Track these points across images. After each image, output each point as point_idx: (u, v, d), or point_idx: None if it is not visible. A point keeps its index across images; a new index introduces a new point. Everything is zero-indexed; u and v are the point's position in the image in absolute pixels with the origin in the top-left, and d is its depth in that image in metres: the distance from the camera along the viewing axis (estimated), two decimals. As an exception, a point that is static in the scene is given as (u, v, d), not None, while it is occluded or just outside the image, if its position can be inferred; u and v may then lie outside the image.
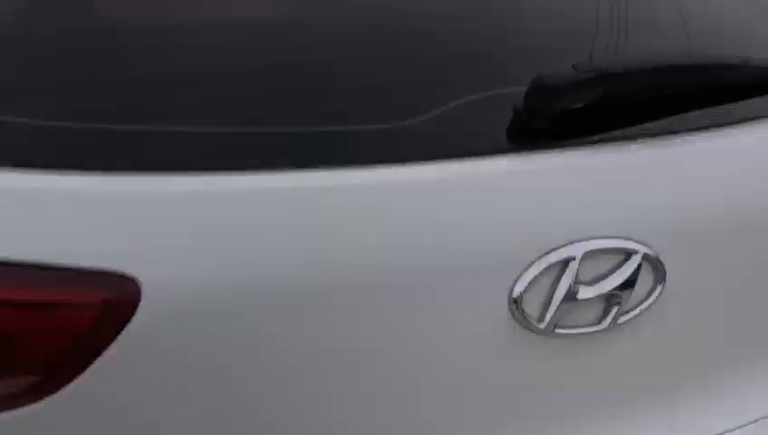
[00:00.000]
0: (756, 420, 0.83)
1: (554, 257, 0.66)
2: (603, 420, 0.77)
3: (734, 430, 0.82)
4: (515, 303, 0.66)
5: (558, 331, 0.69)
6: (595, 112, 0.68)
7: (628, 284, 0.70)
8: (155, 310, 0.56)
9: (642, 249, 0.70)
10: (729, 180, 0.77)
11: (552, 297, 0.68)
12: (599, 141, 0.70)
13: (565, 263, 0.67)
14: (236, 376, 0.61)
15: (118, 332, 0.56)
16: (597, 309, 0.71)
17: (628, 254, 0.70)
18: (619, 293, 0.70)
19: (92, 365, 0.56)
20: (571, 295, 0.68)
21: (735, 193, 0.77)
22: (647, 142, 0.72)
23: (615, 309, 0.70)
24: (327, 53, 0.71)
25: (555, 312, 0.68)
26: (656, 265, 0.71)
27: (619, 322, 0.72)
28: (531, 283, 0.66)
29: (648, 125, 0.72)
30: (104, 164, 0.58)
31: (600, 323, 0.71)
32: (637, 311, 0.72)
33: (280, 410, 0.64)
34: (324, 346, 0.63)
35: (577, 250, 0.67)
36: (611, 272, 0.70)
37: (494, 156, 0.67)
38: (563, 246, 0.67)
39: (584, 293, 0.68)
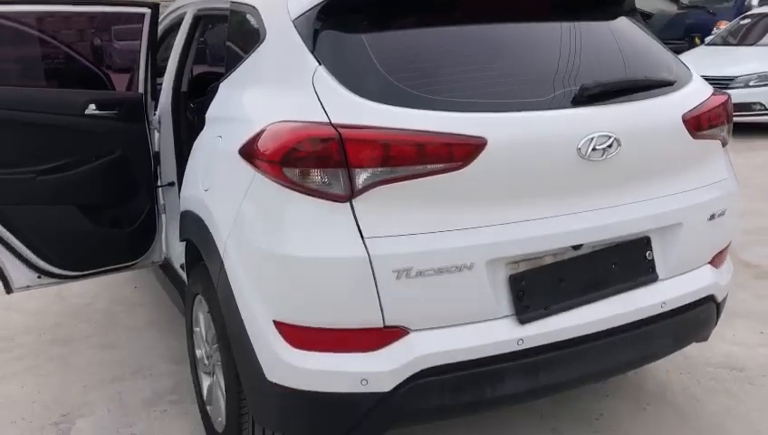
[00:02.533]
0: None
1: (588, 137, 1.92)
2: (600, 193, 2.02)
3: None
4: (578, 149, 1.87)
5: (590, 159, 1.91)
6: None
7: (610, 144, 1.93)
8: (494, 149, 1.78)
9: (614, 135, 1.89)
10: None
11: (585, 152, 1.91)
12: None
13: (591, 139, 1.89)
14: None
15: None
16: (601, 152, 1.90)
17: (608, 136, 1.88)
18: (608, 148, 1.92)
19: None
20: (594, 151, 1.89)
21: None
22: None
23: (606, 152, 1.87)
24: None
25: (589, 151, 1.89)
26: (617, 141, 1.90)
27: (608, 156, 1.88)
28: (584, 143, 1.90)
29: None
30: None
31: (602, 155, 1.86)
32: (612, 154, 1.93)
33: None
34: None
35: (595, 135, 1.91)
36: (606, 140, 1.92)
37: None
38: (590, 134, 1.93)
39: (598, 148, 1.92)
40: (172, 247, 3.25)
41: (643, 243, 2.14)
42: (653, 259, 2.16)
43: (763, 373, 2.98)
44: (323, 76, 1.91)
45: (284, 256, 1.85)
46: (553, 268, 2.01)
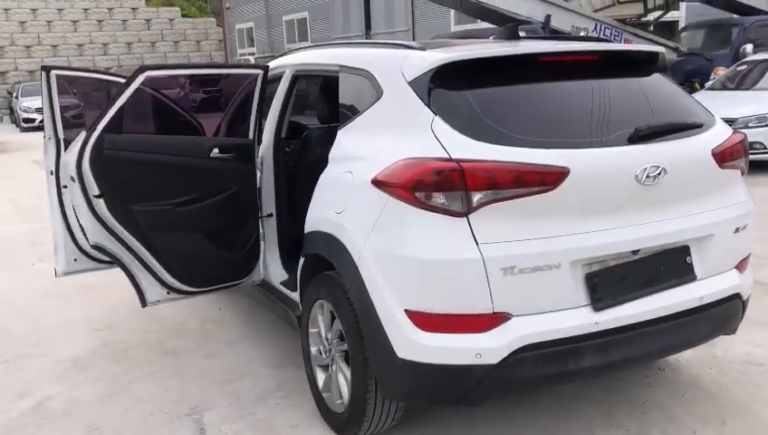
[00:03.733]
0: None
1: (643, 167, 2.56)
2: (652, 210, 2.63)
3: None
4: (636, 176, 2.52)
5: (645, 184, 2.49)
6: None
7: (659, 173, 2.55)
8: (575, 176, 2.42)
9: (662, 165, 2.46)
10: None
11: (641, 178, 2.54)
12: None
13: (645, 168, 2.55)
14: None
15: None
16: (653, 178, 2.52)
17: (657, 167, 2.50)
18: (658, 175, 2.53)
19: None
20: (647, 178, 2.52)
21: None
22: None
23: (656, 178, 2.50)
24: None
25: (644, 178, 2.50)
26: (664, 170, 2.54)
27: (658, 182, 2.49)
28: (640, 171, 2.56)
29: None
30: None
31: (653, 181, 2.45)
32: (661, 180, 2.54)
33: None
34: None
35: (648, 166, 2.57)
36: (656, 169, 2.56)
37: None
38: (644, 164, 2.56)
39: (650, 175, 2.53)
40: (270, 268, 3.83)
41: (684, 250, 2.73)
42: (692, 263, 2.74)
43: (779, 367, 3.54)
44: (440, 124, 2.53)
45: (417, 258, 2.44)
46: (618, 268, 2.59)
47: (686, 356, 3.63)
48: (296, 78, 3.78)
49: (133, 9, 32.04)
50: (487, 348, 2.43)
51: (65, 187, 4.03)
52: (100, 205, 3.27)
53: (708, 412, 3.14)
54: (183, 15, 33.77)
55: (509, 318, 2.45)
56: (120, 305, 4.94)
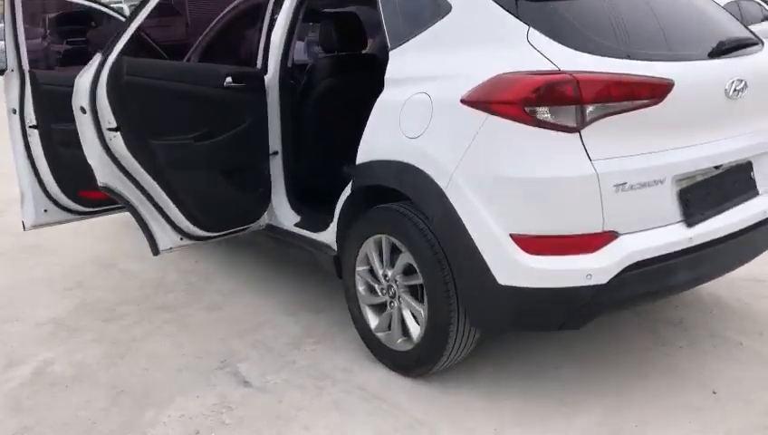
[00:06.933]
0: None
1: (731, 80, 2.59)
2: (731, 125, 2.65)
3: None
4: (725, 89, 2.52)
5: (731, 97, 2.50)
6: None
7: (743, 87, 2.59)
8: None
9: (744, 79, 2.60)
10: None
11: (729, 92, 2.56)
12: None
13: (732, 82, 2.58)
14: None
15: None
16: (737, 92, 2.57)
17: (741, 80, 2.59)
18: (741, 90, 2.59)
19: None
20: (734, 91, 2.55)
21: None
22: None
23: (739, 93, 2.58)
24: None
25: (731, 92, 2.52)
26: (746, 84, 2.61)
27: (741, 96, 2.56)
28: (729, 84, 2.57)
29: None
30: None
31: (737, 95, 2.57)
32: (743, 94, 2.58)
33: None
34: None
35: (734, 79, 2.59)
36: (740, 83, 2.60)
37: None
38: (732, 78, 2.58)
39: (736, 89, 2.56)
40: (278, 211, 3.55)
41: (749, 166, 2.77)
42: (755, 178, 2.80)
43: (781, 282, 3.77)
44: (537, 35, 2.38)
45: (526, 178, 2.30)
46: (704, 184, 2.59)
47: (696, 278, 3.77)
48: (302, 1, 3.46)
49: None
50: (598, 268, 2.35)
51: (32, 126, 3.53)
52: (116, 139, 2.85)
53: (742, 326, 3.28)
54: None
55: (617, 236, 2.38)
56: (80, 264, 4.45)
